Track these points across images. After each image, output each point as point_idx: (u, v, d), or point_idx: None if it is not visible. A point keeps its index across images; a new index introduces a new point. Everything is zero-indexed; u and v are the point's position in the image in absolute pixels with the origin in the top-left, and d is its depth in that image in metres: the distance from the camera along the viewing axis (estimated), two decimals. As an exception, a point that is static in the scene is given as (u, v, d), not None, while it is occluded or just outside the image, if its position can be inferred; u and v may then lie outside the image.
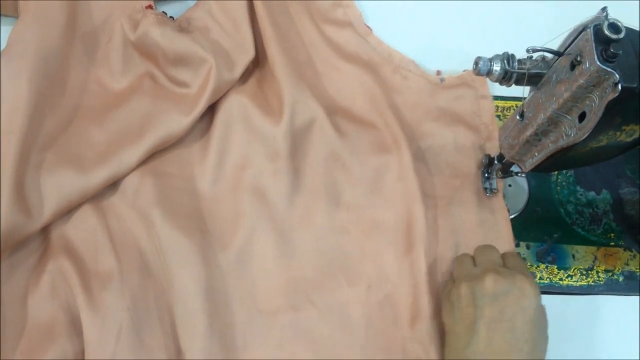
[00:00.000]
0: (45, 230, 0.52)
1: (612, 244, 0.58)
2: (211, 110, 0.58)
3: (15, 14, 0.56)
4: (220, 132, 0.57)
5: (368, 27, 0.65)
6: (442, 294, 0.51)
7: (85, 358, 0.48)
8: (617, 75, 0.37)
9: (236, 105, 0.58)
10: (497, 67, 0.46)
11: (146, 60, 0.58)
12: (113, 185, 0.54)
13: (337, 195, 0.57)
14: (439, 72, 0.64)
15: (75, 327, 0.49)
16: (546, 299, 0.55)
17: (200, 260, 0.52)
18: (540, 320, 0.45)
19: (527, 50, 0.42)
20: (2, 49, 0.54)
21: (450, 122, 0.61)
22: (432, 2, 0.69)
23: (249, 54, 0.59)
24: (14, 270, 0.50)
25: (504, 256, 0.50)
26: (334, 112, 0.60)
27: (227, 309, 0.52)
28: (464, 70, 0.64)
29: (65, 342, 0.48)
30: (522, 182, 0.60)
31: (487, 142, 0.61)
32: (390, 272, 0.54)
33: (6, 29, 0.56)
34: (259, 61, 0.62)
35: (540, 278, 0.56)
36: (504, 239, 0.57)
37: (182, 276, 0.51)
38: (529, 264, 0.57)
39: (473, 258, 0.51)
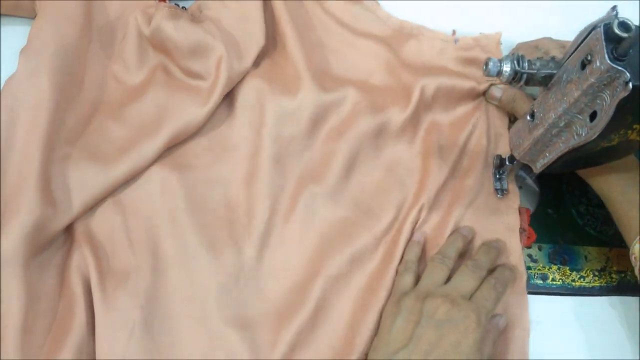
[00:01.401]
0: (69, 227, 0.52)
1: (624, 244, 0.58)
2: (229, 98, 0.59)
3: (30, 14, 0.57)
4: (242, 118, 0.58)
5: (375, 1, 0.66)
6: (396, 287, 0.52)
7: (96, 356, 0.48)
8: (627, 74, 0.37)
9: (253, 89, 0.58)
10: (507, 68, 0.46)
11: (160, 54, 0.59)
12: (133, 180, 0.54)
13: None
14: (454, 32, 0.65)
15: (92, 323, 0.49)
16: (559, 301, 0.55)
17: (220, 256, 0.53)
18: (471, 354, 0.46)
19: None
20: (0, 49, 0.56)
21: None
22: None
23: (260, 42, 0.59)
24: (44, 269, 0.50)
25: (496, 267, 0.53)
26: (347, 82, 0.61)
27: (244, 306, 0.52)
28: (480, 33, 0.64)
29: (81, 338, 0.48)
30: (533, 183, 0.60)
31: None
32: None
33: (6, 29, 0.57)
34: (270, 45, 0.62)
35: (553, 279, 0.56)
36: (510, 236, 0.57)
37: (201, 274, 0.51)
38: (541, 265, 0.57)
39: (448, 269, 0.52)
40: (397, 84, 0.61)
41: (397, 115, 0.59)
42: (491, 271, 0.53)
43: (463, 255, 0.55)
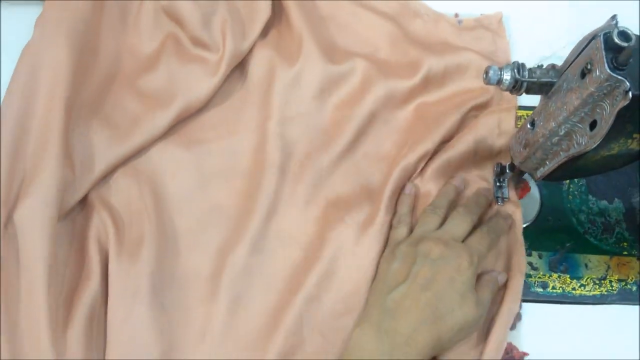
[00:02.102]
0: (86, 196, 0.54)
1: (625, 253, 0.58)
2: (241, 68, 0.61)
3: None
4: (254, 88, 0.60)
5: None
6: (391, 238, 0.55)
7: (107, 322, 0.50)
8: (627, 83, 0.37)
9: (264, 59, 0.60)
10: (507, 76, 0.46)
11: (172, 23, 0.61)
12: (147, 150, 0.57)
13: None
14: (457, 15, 0.67)
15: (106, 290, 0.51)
16: (559, 309, 0.55)
17: (229, 224, 0.55)
18: (466, 291, 0.49)
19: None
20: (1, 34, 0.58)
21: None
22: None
23: (266, 12, 0.61)
24: (63, 234, 0.52)
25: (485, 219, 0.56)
26: (355, 55, 0.62)
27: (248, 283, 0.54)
28: (481, 14, 0.66)
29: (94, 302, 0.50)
30: (533, 191, 0.60)
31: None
32: None
33: (6, 13, 0.59)
34: (276, 17, 0.64)
35: (553, 287, 0.56)
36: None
37: (211, 243, 0.54)
38: (541, 273, 0.56)
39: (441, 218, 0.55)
40: (404, 58, 0.63)
41: (404, 84, 0.61)
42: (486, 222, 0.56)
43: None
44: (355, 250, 0.55)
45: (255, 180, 0.57)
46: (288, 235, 0.56)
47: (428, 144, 0.58)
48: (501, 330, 0.52)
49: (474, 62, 0.62)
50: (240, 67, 0.61)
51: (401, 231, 0.55)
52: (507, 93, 0.58)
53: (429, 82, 0.62)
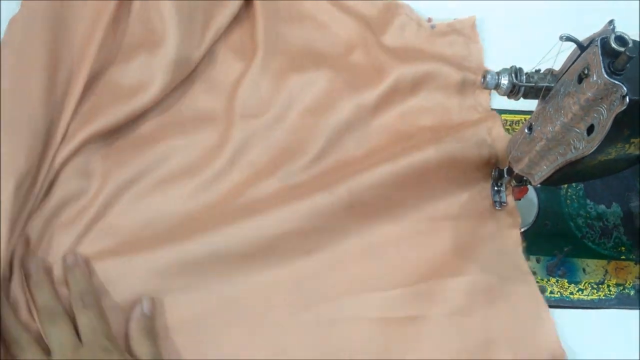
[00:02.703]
0: None
1: (623, 257, 0.58)
2: (204, 69, 0.61)
3: None
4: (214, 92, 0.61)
5: None
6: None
7: None
8: (624, 88, 0.37)
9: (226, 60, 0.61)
10: (504, 81, 0.46)
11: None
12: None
13: None
14: (430, 19, 0.67)
15: None
16: (557, 313, 0.55)
17: None
18: None
19: (561, 37, 0.41)
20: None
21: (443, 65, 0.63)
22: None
23: (231, 11, 0.61)
24: None
25: None
26: (323, 62, 0.62)
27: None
28: (454, 19, 0.66)
29: None
30: (531, 195, 0.60)
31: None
32: None
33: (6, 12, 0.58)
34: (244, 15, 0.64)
35: (551, 292, 0.56)
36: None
37: None
38: (539, 277, 0.56)
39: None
40: (375, 62, 0.62)
41: (370, 95, 0.60)
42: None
43: None
44: None
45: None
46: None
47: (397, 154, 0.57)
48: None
49: (443, 71, 0.62)
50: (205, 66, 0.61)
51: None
52: (475, 102, 0.60)
53: (396, 91, 0.61)
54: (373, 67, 0.62)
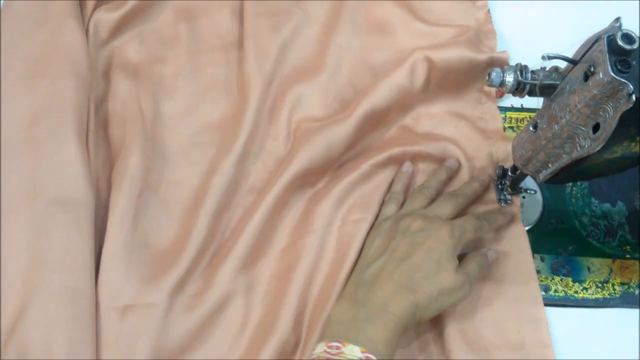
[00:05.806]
0: None
1: (628, 256, 0.58)
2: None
3: None
4: None
5: None
6: (380, 215, 0.56)
7: None
8: (631, 86, 0.37)
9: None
10: (510, 78, 0.46)
11: None
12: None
13: None
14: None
15: None
16: (561, 312, 0.55)
17: None
18: (444, 259, 0.48)
19: (543, 57, 0.42)
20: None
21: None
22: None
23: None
24: None
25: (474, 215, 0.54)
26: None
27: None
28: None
29: None
30: (537, 188, 0.60)
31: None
32: None
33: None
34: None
35: (556, 291, 0.56)
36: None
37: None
38: (543, 276, 0.56)
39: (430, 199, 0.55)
40: (360, 82, 0.64)
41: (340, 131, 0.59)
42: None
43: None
44: None
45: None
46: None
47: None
48: None
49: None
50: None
51: (390, 208, 0.55)
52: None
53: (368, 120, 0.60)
54: (357, 86, 0.63)
